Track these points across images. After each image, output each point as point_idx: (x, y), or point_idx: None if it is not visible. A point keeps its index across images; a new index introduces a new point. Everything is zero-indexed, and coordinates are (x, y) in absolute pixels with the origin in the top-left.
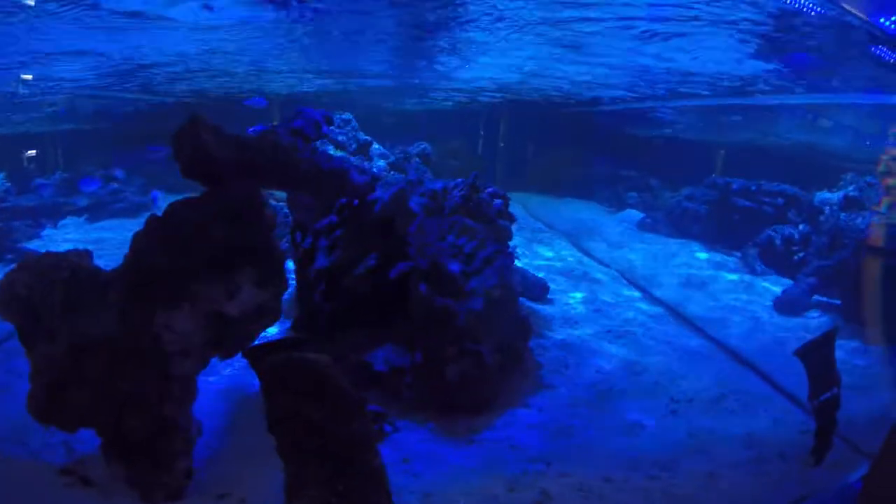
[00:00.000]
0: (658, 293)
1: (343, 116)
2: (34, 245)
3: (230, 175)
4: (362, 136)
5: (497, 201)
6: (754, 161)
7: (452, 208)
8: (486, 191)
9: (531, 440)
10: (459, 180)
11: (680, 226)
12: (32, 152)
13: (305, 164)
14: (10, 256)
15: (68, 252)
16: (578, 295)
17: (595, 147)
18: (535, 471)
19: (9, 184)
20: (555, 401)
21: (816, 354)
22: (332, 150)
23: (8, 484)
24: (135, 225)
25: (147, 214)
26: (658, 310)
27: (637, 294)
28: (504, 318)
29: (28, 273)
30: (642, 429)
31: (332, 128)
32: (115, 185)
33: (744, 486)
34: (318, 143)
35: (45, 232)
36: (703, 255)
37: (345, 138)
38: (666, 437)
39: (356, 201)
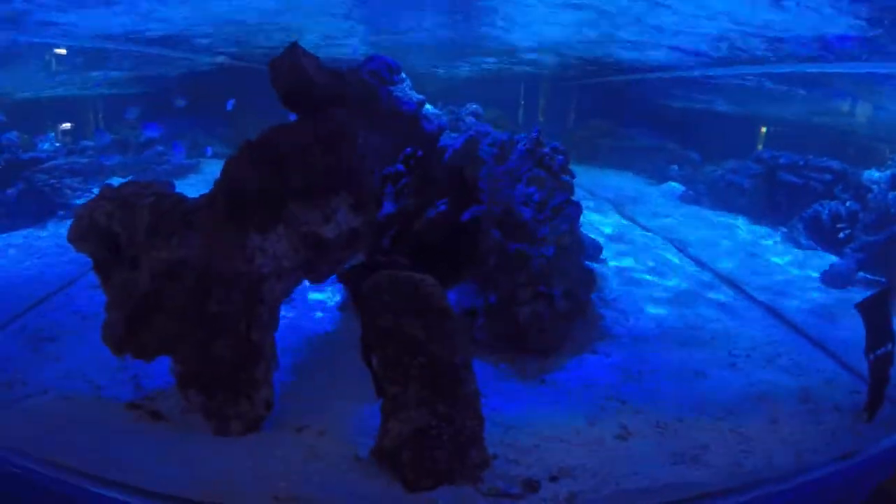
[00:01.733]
0: (706, 260)
1: (397, 78)
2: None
3: (324, 103)
4: (416, 95)
5: (559, 157)
6: (800, 137)
7: (518, 160)
8: (549, 145)
9: (603, 382)
10: (523, 134)
11: (723, 199)
12: (68, 125)
13: (385, 103)
14: (61, 213)
15: (151, 181)
16: (630, 258)
17: (636, 119)
18: (612, 408)
19: (58, 143)
20: (621, 349)
21: (874, 309)
22: None
23: (73, 420)
24: (181, 186)
25: (192, 176)
26: (707, 275)
27: (686, 260)
28: (572, 267)
29: (109, 201)
30: (705, 377)
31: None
32: (160, 148)
33: (804, 434)
34: None
35: (95, 189)
36: (747, 228)
37: (400, 94)
38: (728, 385)
39: (420, 152)
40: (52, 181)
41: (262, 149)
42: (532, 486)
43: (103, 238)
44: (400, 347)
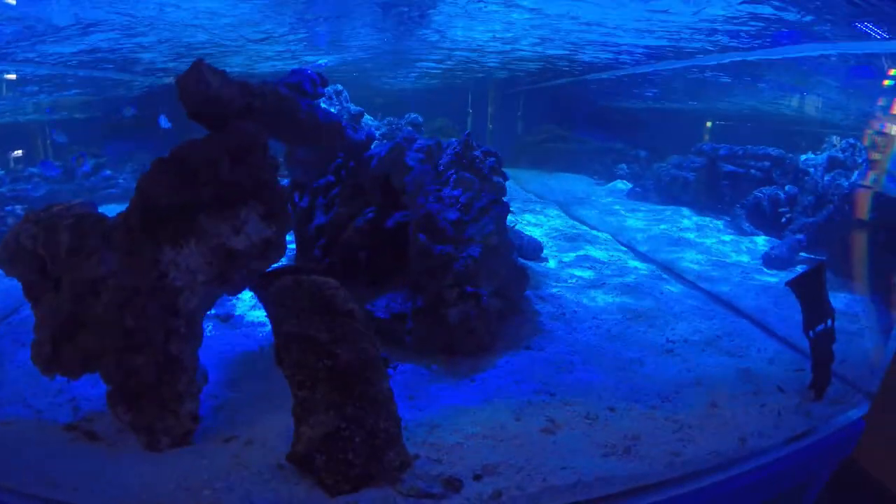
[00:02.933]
0: (647, 252)
1: (335, 87)
2: None
3: (233, 117)
4: (353, 107)
5: (490, 159)
6: (742, 129)
7: (446, 164)
8: (479, 149)
9: (533, 376)
10: (453, 140)
11: (669, 193)
12: (19, 152)
13: (304, 115)
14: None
15: (73, 202)
16: (572, 254)
17: (583, 121)
18: (540, 401)
19: (1, 171)
20: (554, 343)
21: (808, 286)
22: None
23: (11, 443)
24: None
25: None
26: (650, 266)
27: (629, 253)
28: (501, 266)
29: (33, 223)
30: (641, 365)
31: (322, 99)
32: (108, 172)
33: (746, 416)
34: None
35: None
36: (692, 219)
37: (337, 109)
38: (664, 372)
39: (352, 162)
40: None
41: (173, 163)
42: (454, 484)
43: (30, 261)
44: (305, 351)
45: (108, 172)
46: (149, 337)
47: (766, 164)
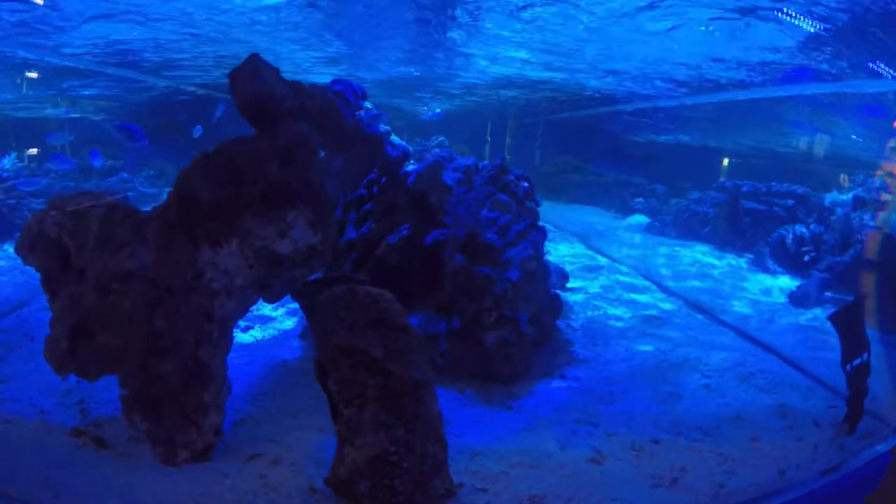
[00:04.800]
0: (673, 287)
1: (364, 104)
2: None
3: (284, 115)
4: (382, 126)
5: (524, 183)
6: (761, 165)
7: (481, 186)
8: (513, 173)
9: (573, 405)
10: (486, 161)
11: (688, 229)
12: (34, 150)
13: (350, 124)
14: (18, 234)
15: (104, 191)
16: (596, 285)
17: (601, 154)
18: (584, 431)
19: (21, 164)
20: (589, 373)
21: (848, 320)
22: None
23: (12, 443)
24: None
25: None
26: (676, 301)
27: (653, 286)
28: (538, 293)
29: (59, 211)
30: (679, 398)
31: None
32: (125, 174)
33: (785, 450)
34: None
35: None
36: (713, 255)
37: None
38: (704, 406)
39: (384, 178)
40: (10, 201)
41: (217, 160)
42: None
43: (52, 250)
44: (356, 366)
45: (125, 175)
46: (178, 340)
47: (791, 202)
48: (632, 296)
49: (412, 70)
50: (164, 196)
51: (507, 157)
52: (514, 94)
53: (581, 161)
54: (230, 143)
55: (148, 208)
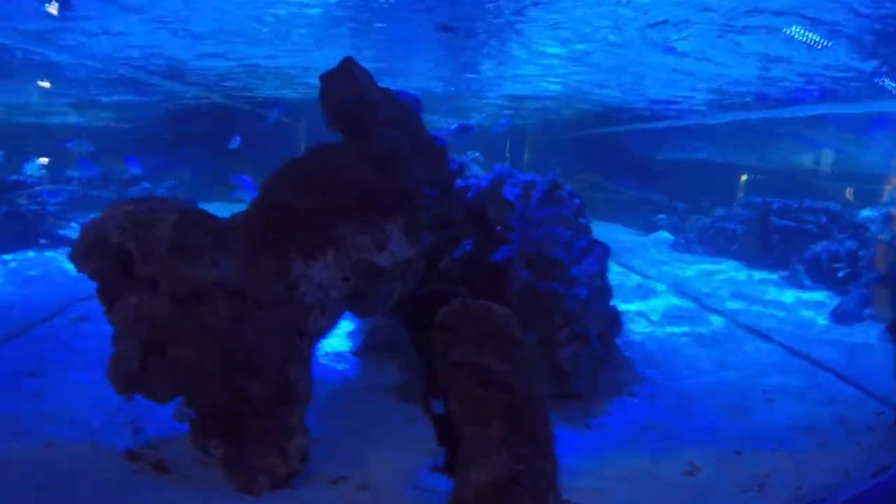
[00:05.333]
0: (712, 304)
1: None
2: (67, 233)
3: (376, 122)
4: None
5: (576, 200)
6: (779, 183)
7: (538, 202)
8: (566, 189)
9: (653, 423)
10: (533, 176)
11: (715, 245)
12: (45, 160)
13: (424, 134)
14: (43, 241)
15: (170, 197)
16: (639, 303)
17: (620, 171)
18: (672, 446)
19: (44, 170)
20: (658, 390)
21: None
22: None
23: (60, 472)
24: None
25: None
26: (718, 318)
27: (693, 305)
28: (602, 310)
29: (123, 214)
30: (748, 413)
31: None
32: (147, 184)
33: (849, 453)
34: None
35: (74, 224)
36: (744, 273)
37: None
38: (772, 418)
39: (435, 192)
40: (34, 207)
41: (308, 167)
42: None
43: (113, 256)
44: (478, 382)
45: (147, 184)
46: (268, 357)
47: (823, 218)
48: (675, 313)
49: (439, 86)
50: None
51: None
52: (535, 110)
53: (601, 178)
54: (322, 150)
55: None
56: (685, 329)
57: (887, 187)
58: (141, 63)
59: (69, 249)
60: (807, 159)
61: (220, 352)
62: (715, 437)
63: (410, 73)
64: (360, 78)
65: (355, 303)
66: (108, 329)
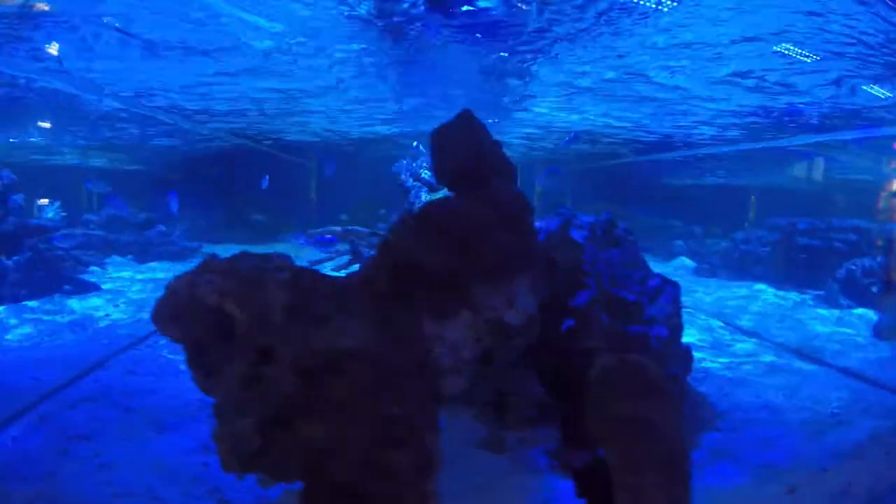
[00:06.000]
0: (757, 331)
1: (418, 149)
2: (87, 278)
3: (492, 176)
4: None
5: (631, 236)
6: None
7: (603, 243)
8: (620, 227)
9: (742, 453)
10: (583, 216)
11: (739, 269)
12: (45, 201)
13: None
14: (68, 287)
15: (270, 254)
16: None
17: (634, 198)
18: (769, 473)
19: (64, 213)
20: (737, 423)
21: None
22: (426, 191)
23: None
24: (180, 269)
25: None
26: (766, 344)
27: (737, 331)
28: (678, 348)
29: (220, 275)
30: (823, 434)
31: (421, 168)
32: (162, 227)
33: None
34: (413, 185)
35: (92, 269)
36: (775, 295)
37: (432, 179)
38: (846, 437)
39: None
40: (59, 252)
41: (436, 224)
42: None
43: (208, 320)
44: (641, 434)
45: (163, 227)
46: (407, 427)
47: (853, 236)
48: (721, 342)
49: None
50: (206, 250)
51: (537, 203)
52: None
53: (616, 206)
54: (445, 206)
55: (188, 262)
56: (739, 358)
57: (882, 195)
58: (164, 103)
59: (92, 294)
60: (824, 176)
61: (356, 424)
62: (801, 458)
63: (451, 106)
64: (479, 131)
65: (485, 362)
66: (161, 384)
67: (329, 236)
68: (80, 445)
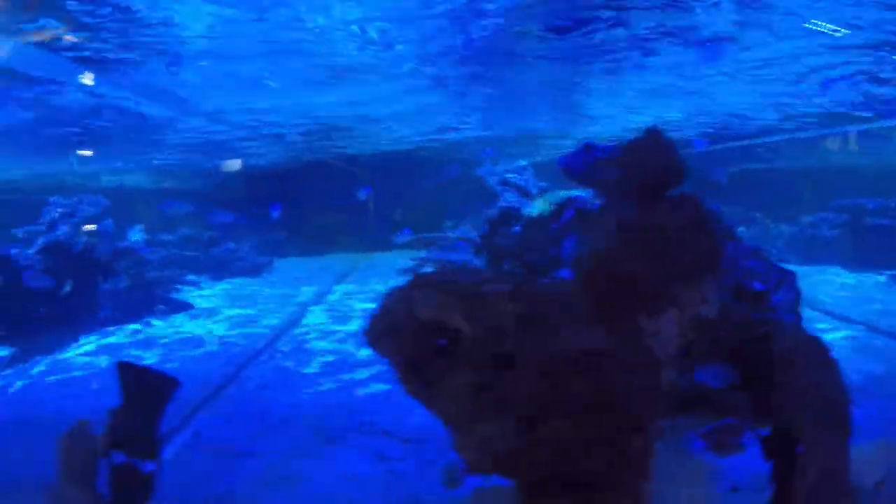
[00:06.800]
0: (847, 314)
1: (520, 164)
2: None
3: (679, 187)
4: (542, 183)
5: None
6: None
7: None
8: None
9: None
10: None
11: (808, 253)
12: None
13: None
14: (161, 307)
15: (479, 268)
16: None
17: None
18: None
19: (147, 235)
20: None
21: None
22: (516, 196)
23: None
24: (257, 283)
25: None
26: (858, 328)
27: (828, 316)
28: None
29: (438, 290)
30: None
31: (513, 174)
32: (232, 245)
33: None
34: (502, 189)
35: (178, 286)
36: (852, 277)
37: (524, 184)
38: None
39: None
40: (153, 273)
41: (639, 232)
42: None
43: (427, 334)
44: (822, 399)
45: (232, 245)
46: (645, 417)
47: None
48: (819, 326)
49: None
50: (276, 264)
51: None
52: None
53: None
54: (645, 214)
55: (261, 277)
56: (851, 345)
57: None
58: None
59: (189, 313)
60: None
61: (598, 418)
62: None
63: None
64: (666, 146)
65: (685, 355)
66: (298, 397)
67: (461, 242)
68: (249, 462)
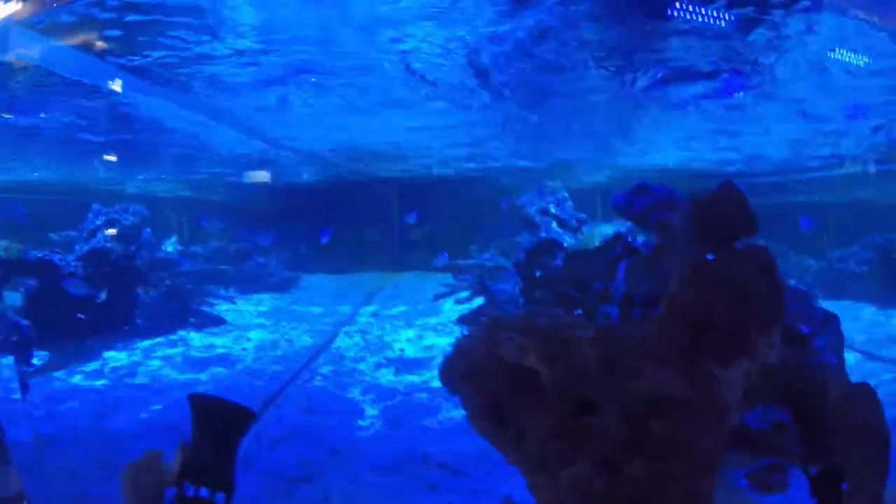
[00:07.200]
0: (875, 351)
1: (559, 195)
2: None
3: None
4: (581, 214)
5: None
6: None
7: None
8: None
9: None
10: None
11: (837, 289)
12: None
13: None
14: (192, 320)
15: (556, 312)
16: None
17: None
18: None
19: (181, 247)
20: None
21: None
22: (556, 227)
23: None
24: (286, 298)
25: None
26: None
27: (866, 357)
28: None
29: (519, 333)
30: None
31: (552, 205)
32: (262, 259)
33: None
34: (542, 219)
35: (209, 300)
36: (882, 314)
37: (565, 216)
38: None
39: None
40: (189, 286)
41: (716, 280)
42: None
43: (505, 375)
44: (870, 439)
45: (262, 260)
46: (716, 460)
47: None
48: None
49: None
50: (303, 280)
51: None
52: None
53: None
54: (721, 262)
55: (289, 293)
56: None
57: None
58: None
59: (222, 327)
60: None
61: (677, 460)
62: None
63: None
64: (739, 198)
65: (749, 401)
66: (345, 425)
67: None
68: (303, 488)
